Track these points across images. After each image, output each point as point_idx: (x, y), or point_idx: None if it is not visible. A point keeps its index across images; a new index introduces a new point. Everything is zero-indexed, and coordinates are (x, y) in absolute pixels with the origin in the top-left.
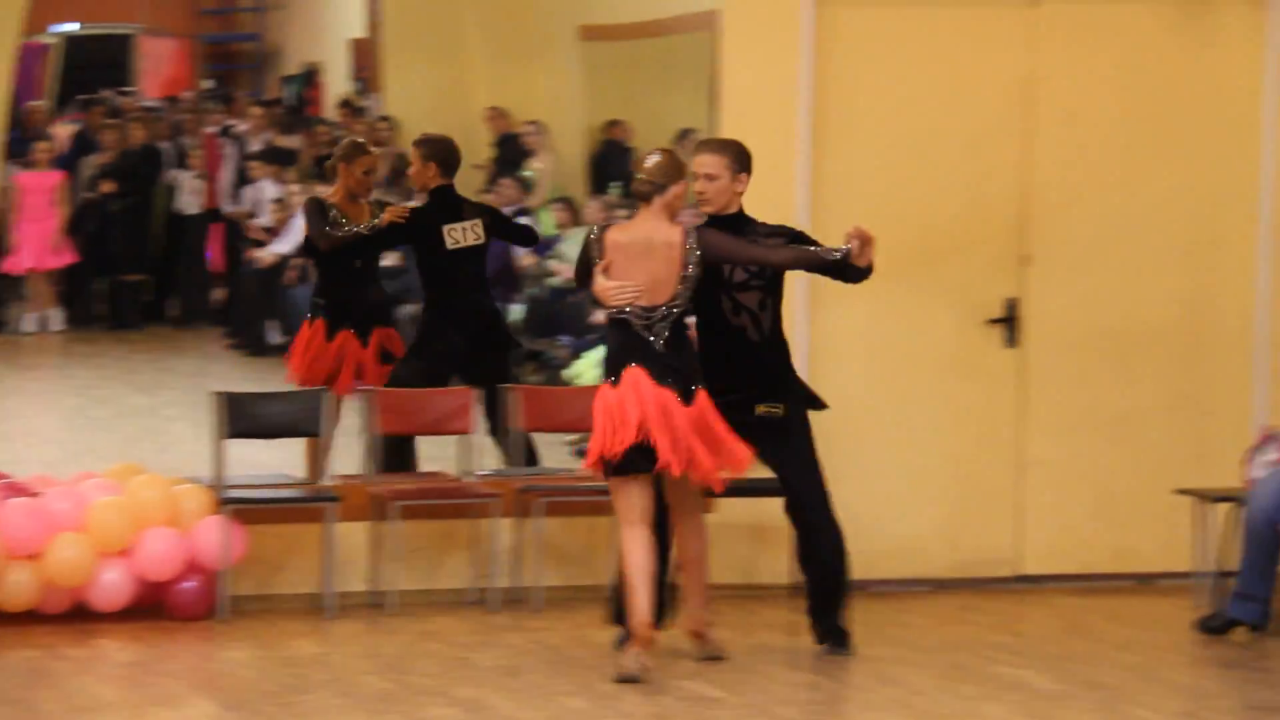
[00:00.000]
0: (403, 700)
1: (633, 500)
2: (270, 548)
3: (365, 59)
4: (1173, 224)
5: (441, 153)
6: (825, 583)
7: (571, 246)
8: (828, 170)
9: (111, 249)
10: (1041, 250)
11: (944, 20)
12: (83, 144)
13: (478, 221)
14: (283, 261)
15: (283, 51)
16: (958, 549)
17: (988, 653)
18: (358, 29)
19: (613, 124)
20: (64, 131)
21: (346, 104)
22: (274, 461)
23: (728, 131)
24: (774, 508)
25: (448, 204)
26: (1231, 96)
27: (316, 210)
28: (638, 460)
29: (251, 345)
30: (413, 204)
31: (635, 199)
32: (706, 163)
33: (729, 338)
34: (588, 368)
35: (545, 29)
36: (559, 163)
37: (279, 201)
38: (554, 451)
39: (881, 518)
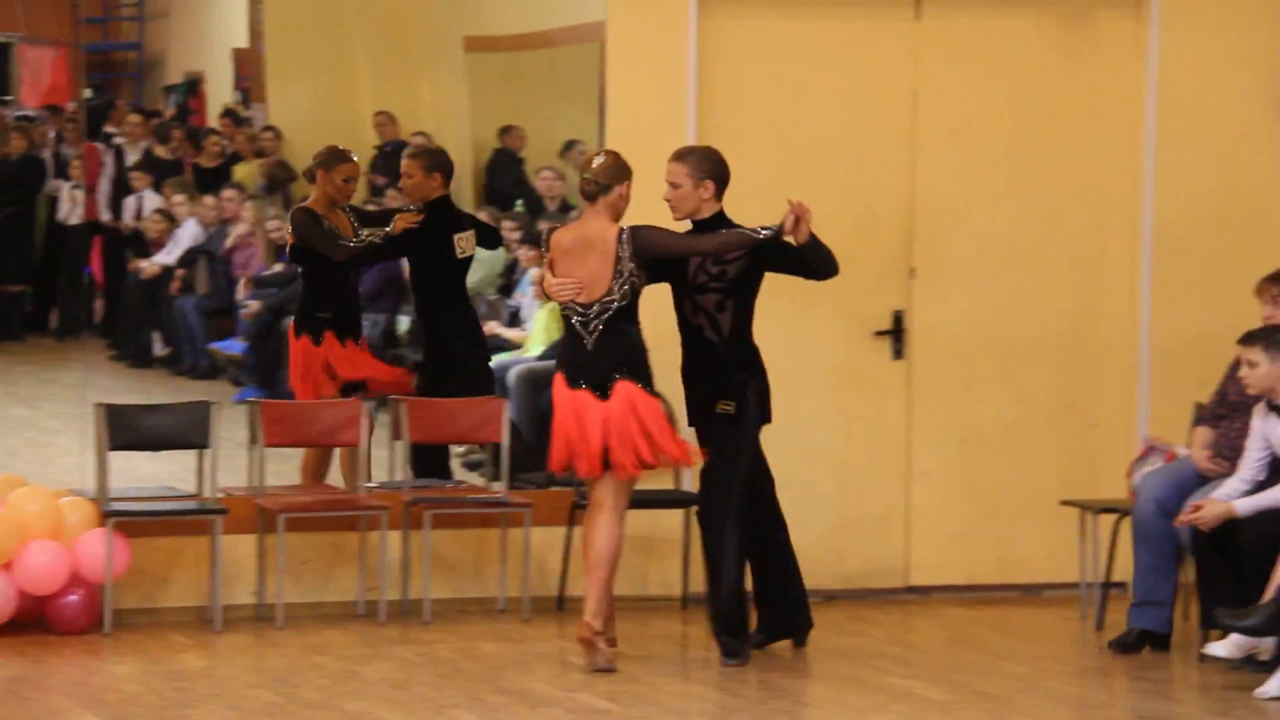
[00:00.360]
0: (291, 714)
1: (592, 488)
2: (155, 560)
3: (248, 69)
4: (1057, 236)
5: (445, 163)
6: (711, 592)
7: None
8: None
9: None
10: (928, 263)
11: (829, 33)
12: None
13: (473, 232)
14: (167, 273)
15: (165, 60)
16: (846, 560)
17: (877, 663)
18: (241, 38)
19: (505, 131)
20: None
21: (230, 114)
22: (159, 474)
23: (612, 143)
24: (665, 519)
25: (451, 213)
26: (1113, 109)
27: (314, 222)
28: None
29: (135, 357)
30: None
31: (582, 198)
32: (670, 171)
33: (690, 337)
34: None
35: (430, 40)
36: None
37: (161, 213)
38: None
39: None
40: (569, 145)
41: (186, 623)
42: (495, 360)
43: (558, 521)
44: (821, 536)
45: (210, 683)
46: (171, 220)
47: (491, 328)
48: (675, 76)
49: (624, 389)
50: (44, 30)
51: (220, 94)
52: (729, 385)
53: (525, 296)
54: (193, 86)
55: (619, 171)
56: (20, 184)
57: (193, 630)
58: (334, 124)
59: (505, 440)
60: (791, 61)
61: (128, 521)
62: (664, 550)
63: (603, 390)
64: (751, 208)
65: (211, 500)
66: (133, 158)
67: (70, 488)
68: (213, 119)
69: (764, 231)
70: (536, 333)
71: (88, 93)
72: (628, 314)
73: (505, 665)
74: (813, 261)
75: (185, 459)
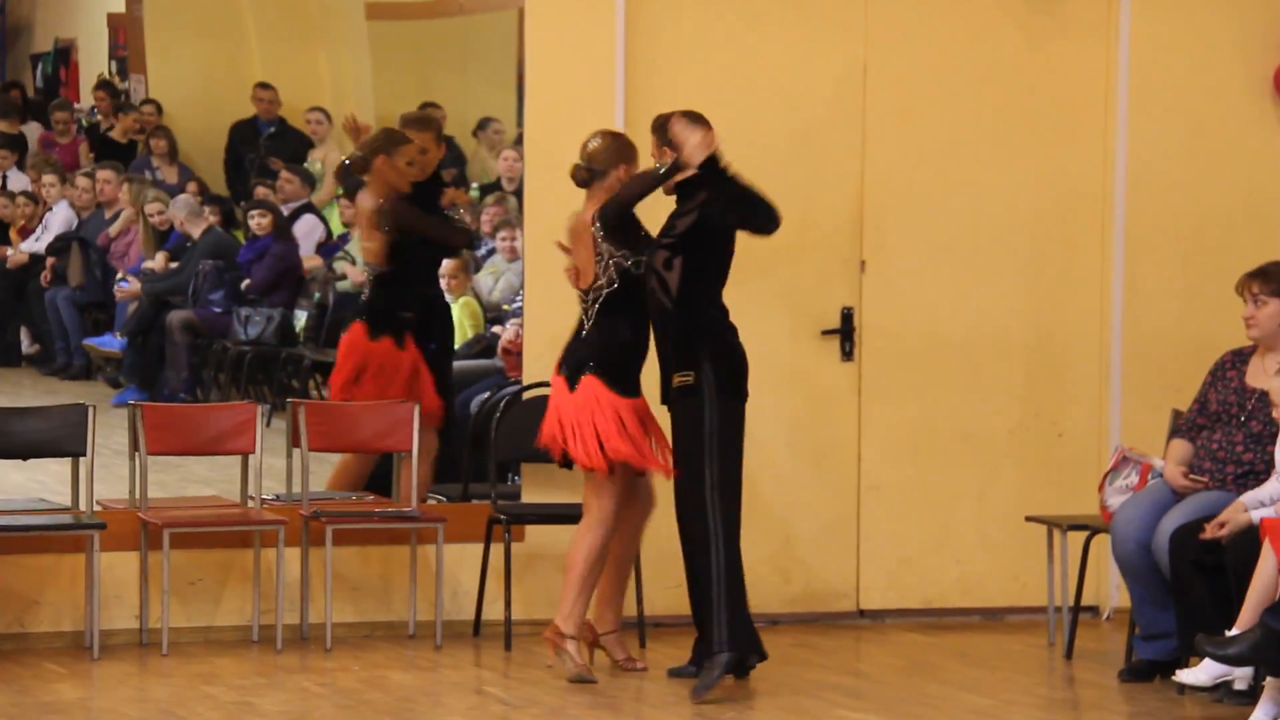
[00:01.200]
0: None
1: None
2: (26, 580)
3: (125, 36)
4: (1021, 227)
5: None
6: (691, 591)
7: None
8: (645, 166)
9: None
10: (879, 255)
11: (772, 2)
12: None
13: None
14: (35, 261)
15: (31, 26)
16: (791, 581)
17: (826, 695)
18: (117, 2)
19: (424, 109)
20: None
21: (105, 85)
22: (29, 484)
23: (532, 122)
24: None
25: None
26: (1082, 90)
27: (409, 205)
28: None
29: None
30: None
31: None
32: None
33: (650, 304)
34: None
35: (327, 6)
36: (346, 154)
37: (27, 195)
38: None
39: None
40: (483, 123)
41: (60, 649)
42: None
43: (474, 538)
44: (765, 556)
45: (87, 715)
46: (37, 203)
47: None
48: (602, 48)
49: (589, 384)
50: None
51: (94, 64)
52: (684, 355)
53: None
54: (63, 55)
55: (615, 155)
56: None
57: (68, 658)
58: (222, 98)
59: (415, 448)
60: (730, 33)
61: None
62: None
63: (573, 381)
64: None
65: (88, 514)
66: None
67: None
68: (85, 91)
69: (660, 168)
70: None
71: None
72: (620, 302)
73: (415, 696)
74: (743, 209)
75: (58, 468)
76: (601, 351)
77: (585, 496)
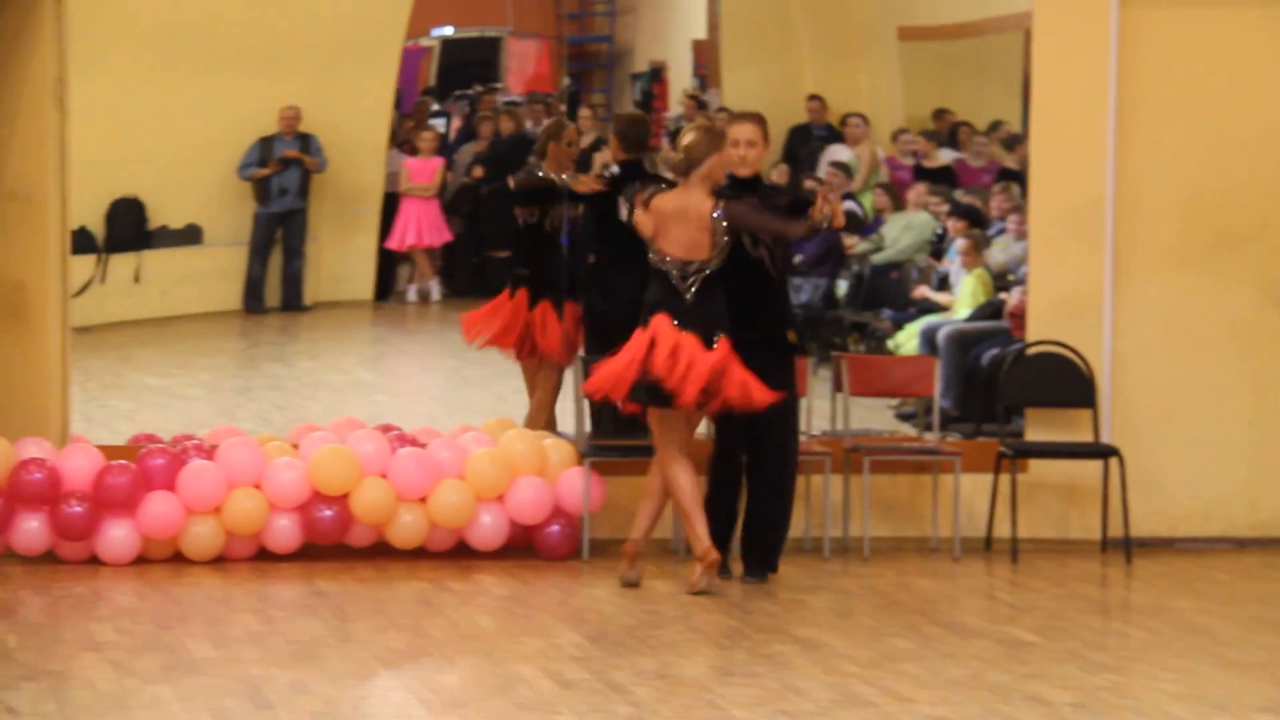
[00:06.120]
0: (747, 637)
1: (668, 432)
2: (626, 496)
3: (705, 57)
4: None
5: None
6: (761, 523)
7: (892, 228)
8: (1132, 162)
9: (483, 228)
10: None
11: (1252, 23)
12: (463, 134)
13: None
14: None
15: (632, 51)
16: (1259, 510)
17: None
18: (699, 30)
19: (938, 114)
20: (448, 123)
21: (692, 98)
22: None
23: (1038, 125)
24: (1086, 469)
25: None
26: None
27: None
28: (646, 395)
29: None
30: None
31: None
32: (750, 131)
33: (750, 274)
34: (908, 338)
35: (867, 29)
36: (876, 153)
37: None
38: (878, 415)
39: (1186, 481)
40: (994, 125)
41: (654, 555)
42: (925, 322)
43: (984, 469)
44: (1235, 487)
45: (676, 606)
46: None
47: (922, 291)
48: (1097, 63)
49: (725, 346)
50: (529, 25)
51: (680, 81)
52: (791, 321)
53: (953, 263)
54: (656, 74)
55: (707, 146)
56: (509, 161)
57: (660, 561)
58: (780, 105)
59: (937, 395)
60: (1209, 48)
61: (602, 461)
62: (1082, 497)
63: (708, 341)
64: (1167, 185)
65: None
66: (584, 143)
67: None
68: (674, 104)
69: (801, 226)
70: (964, 296)
71: (566, 81)
72: (721, 274)
73: (938, 599)
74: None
75: None
76: (719, 318)
77: (673, 437)
